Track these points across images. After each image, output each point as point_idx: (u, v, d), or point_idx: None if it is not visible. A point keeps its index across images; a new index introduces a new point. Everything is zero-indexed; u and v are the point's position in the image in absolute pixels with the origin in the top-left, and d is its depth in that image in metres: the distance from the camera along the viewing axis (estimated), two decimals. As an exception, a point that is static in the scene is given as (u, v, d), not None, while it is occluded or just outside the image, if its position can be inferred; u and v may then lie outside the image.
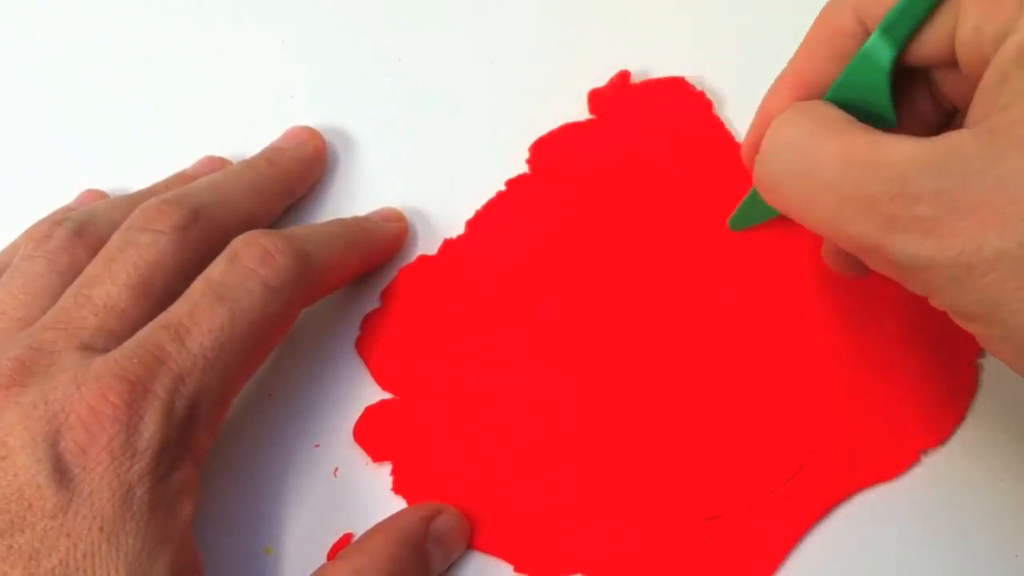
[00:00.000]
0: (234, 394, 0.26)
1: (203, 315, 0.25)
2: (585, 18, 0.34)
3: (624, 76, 0.32)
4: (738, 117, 0.32)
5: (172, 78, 0.35)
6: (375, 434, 0.29)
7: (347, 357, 0.30)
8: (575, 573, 0.27)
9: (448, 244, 0.31)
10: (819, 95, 0.24)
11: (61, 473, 0.22)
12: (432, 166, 0.33)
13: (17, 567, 0.22)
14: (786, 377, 0.28)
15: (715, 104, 0.32)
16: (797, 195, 0.22)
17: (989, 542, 0.27)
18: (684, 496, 0.27)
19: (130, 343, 0.24)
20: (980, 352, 0.28)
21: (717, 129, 0.32)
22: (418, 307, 0.30)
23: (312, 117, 0.33)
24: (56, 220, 0.28)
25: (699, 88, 0.32)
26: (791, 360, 0.29)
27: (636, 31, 0.34)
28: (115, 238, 0.27)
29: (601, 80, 0.33)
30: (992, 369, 0.28)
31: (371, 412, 0.29)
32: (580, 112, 0.32)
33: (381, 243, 0.30)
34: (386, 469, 0.29)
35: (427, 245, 0.31)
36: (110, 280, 0.25)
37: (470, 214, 0.31)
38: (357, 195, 0.32)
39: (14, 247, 0.29)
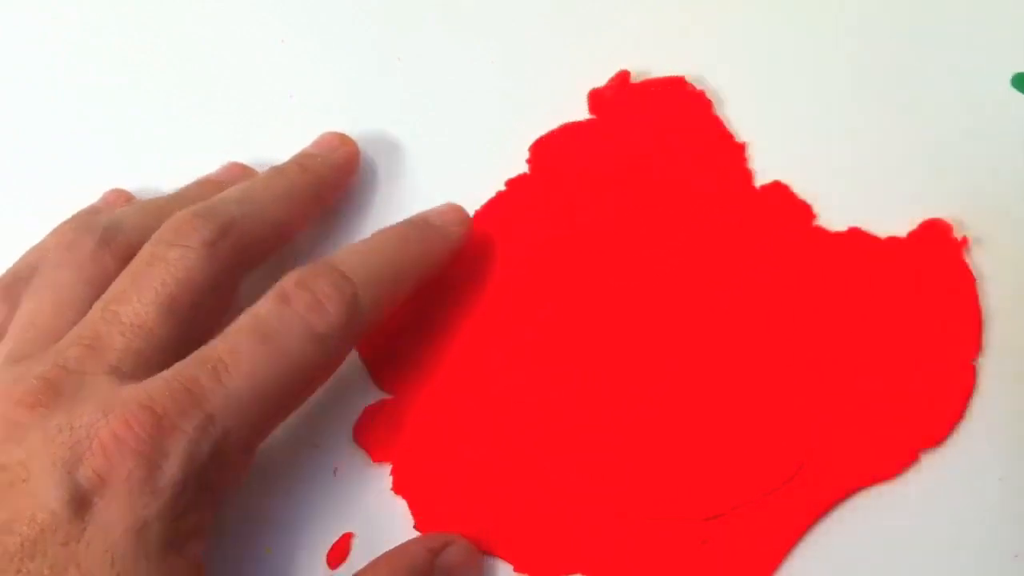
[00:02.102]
0: (263, 438, 0.25)
1: (244, 355, 0.24)
2: (585, 18, 0.34)
3: (624, 76, 0.32)
4: (738, 117, 0.32)
5: (171, 78, 0.35)
6: (374, 434, 0.29)
7: (347, 359, 0.30)
8: (575, 573, 0.27)
9: (448, 244, 0.31)
10: None
11: (78, 502, 0.22)
12: (432, 166, 0.33)
13: None
14: (786, 377, 0.28)
15: (715, 104, 0.32)
16: None
17: (989, 542, 0.27)
18: (683, 496, 0.27)
19: (165, 374, 0.24)
20: (979, 352, 0.28)
21: (717, 129, 0.32)
22: (418, 307, 0.30)
23: (312, 117, 0.33)
24: (84, 226, 0.27)
25: (699, 88, 0.32)
26: (791, 360, 0.29)
27: (636, 31, 0.34)
28: (144, 252, 0.26)
29: (601, 80, 0.33)
30: (992, 369, 0.28)
31: (370, 412, 0.29)
32: (580, 112, 0.32)
33: (440, 258, 0.29)
34: (386, 469, 0.29)
35: (427, 245, 0.31)
36: (137, 298, 0.25)
37: (469, 213, 0.31)
38: (357, 195, 0.32)
39: (40, 249, 0.29)
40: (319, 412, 0.29)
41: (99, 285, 0.26)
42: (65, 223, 0.29)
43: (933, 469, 0.28)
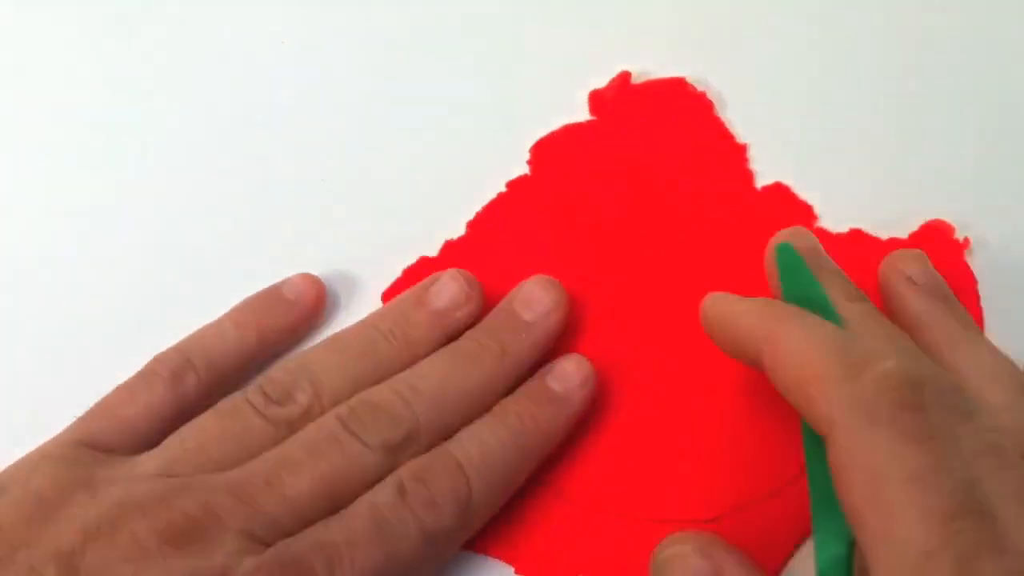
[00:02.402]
0: None
1: (359, 549, 0.24)
2: (585, 18, 0.34)
3: (625, 77, 0.32)
4: (739, 118, 0.32)
5: (171, 78, 0.34)
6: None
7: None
8: (577, 575, 0.27)
9: (448, 245, 0.31)
10: None
11: None
12: (432, 167, 0.32)
13: None
14: (787, 378, 0.28)
15: (716, 105, 0.32)
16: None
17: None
18: (685, 498, 0.27)
19: (288, 551, 0.24)
20: (981, 353, 0.28)
21: (718, 130, 0.32)
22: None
23: (312, 117, 0.33)
24: (291, 386, 0.27)
25: (700, 89, 0.32)
26: (792, 361, 0.29)
27: (637, 31, 0.34)
28: (328, 429, 0.26)
29: (602, 81, 0.32)
30: (993, 370, 0.28)
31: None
32: (580, 113, 0.32)
33: (558, 436, 0.27)
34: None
35: (427, 246, 0.31)
36: (307, 474, 0.25)
37: (470, 215, 0.31)
38: (358, 194, 0.32)
39: (219, 335, 0.29)
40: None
41: (280, 438, 0.26)
42: (254, 311, 0.29)
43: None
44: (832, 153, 0.31)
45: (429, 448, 0.26)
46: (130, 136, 0.34)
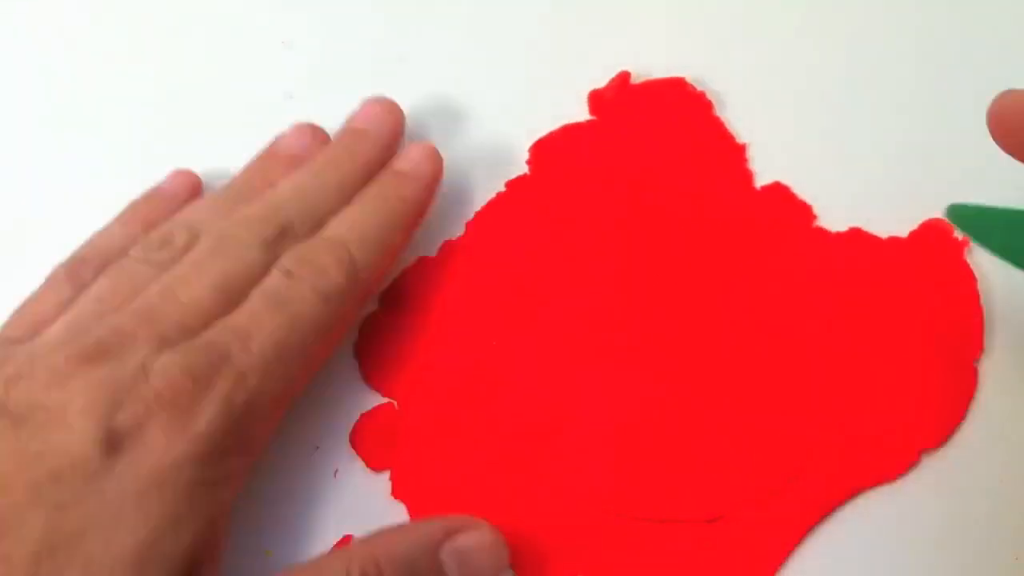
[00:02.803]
0: (293, 394, 0.27)
1: (265, 322, 0.26)
2: (585, 18, 0.34)
3: (624, 77, 0.32)
4: (738, 117, 0.32)
5: (171, 78, 0.35)
6: (370, 441, 0.29)
7: (347, 360, 0.30)
8: (576, 575, 0.27)
9: (448, 245, 0.31)
10: None
11: (112, 444, 0.23)
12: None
13: (41, 514, 0.23)
14: (787, 378, 0.28)
15: (715, 104, 0.32)
16: None
17: (989, 543, 0.27)
18: (685, 498, 0.27)
19: (198, 341, 0.25)
20: (981, 352, 0.28)
21: (718, 129, 0.32)
22: (417, 309, 0.30)
23: (311, 117, 0.33)
24: (170, 231, 0.29)
25: (699, 88, 0.32)
26: (792, 361, 0.29)
27: (636, 31, 0.34)
28: (207, 245, 0.28)
29: (601, 81, 0.32)
30: (992, 370, 0.28)
31: (366, 419, 0.29)
32: (580, 113, 0.32)
33: (421, 201, 0.30)
34: (387, 471, 0.29)
35: (427, 246, 0.31)
36: (197, 282, 0.27)
37: (470, 215, 0.31)
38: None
39: (108, 235, 0.30)
40: (319, 414, 0.29)
41: None
42: (137, 210, 0.31)
43: (933, 469, 0.28)
44: (832, 153, 0.31)
45: (309, 234, 0.28)
46: (127, 136, 0.34)
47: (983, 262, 0.29)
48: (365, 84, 0.34)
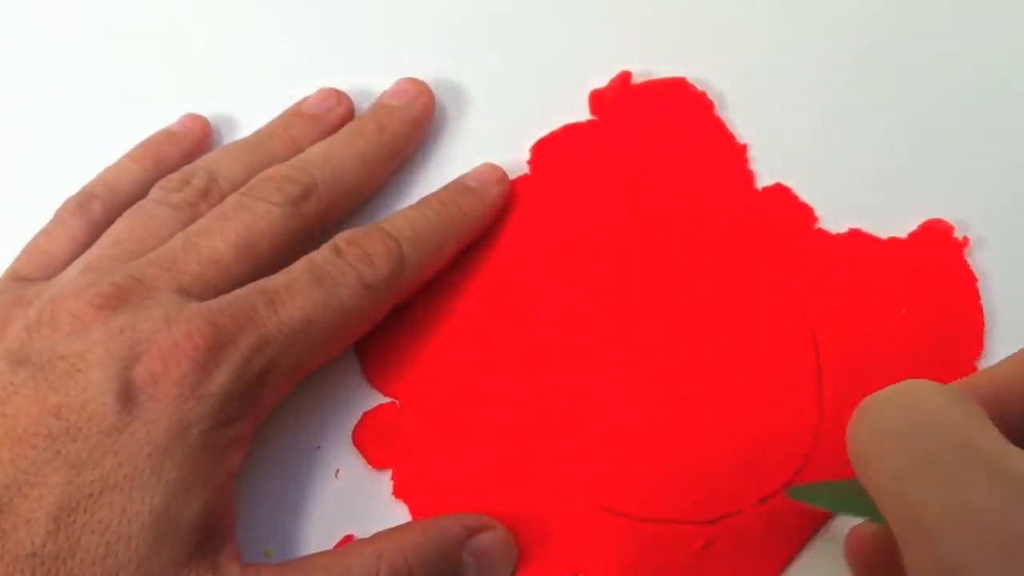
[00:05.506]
0: (307, 372, 0.27)
1: (300, 291, 0.26)
2: (585, 18, 0.34)
3: (625, 77, 0.32)
4: (739, 117, 0.32)
5: (171, 78, 0.34)
6: (374, 439, 0.29)
7: (348, 359, 0.30)
8: (576, 575, 0.27)
9: (449, 245, 0.31)
10: None
11: (127, 396, 0.24)
12: (432, 167, 0.32)
13: (59, 472, 0.23)
14: (786, 378, 0.28)
15: (716, 104, 0.32)
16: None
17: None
18: (686, 499, 0.27)
19: (226, 297, 0.26)
20: (980, 352, 0.28)
21: (718, 130, 0.32)
22: (419, 309, 0.30)
23: (312, 117, 0.33)
24: (189, 173, 0.29)
25: (700, 88, 0.32)
26: (792, 361, 0.29)
27: (637, 31, 0.34)
28: (232, 199, 0.28)
29: (602, 80, 0.33)
30: (992, 370, 0.28)
31: (369, 417, 0.29)
32: (581, 113, 0.32)
33: (480, 219, 0.30)
34: (388, 471, 0.29)
35: (428, 246, 0.31)
36: (220, 235, 0.27)
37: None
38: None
39: (119, 170, 0.31)
40: (321, 414, 0.29)
41: (177, 231, 0.28)
42: (148, 146, 0.31)
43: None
44: (832, 153, 0.31)
45: (330, 206, 0.29)
46: (128, 136, 0.34)
47: (983, 262, 0.29)
48: (366, 84, 0.34)
